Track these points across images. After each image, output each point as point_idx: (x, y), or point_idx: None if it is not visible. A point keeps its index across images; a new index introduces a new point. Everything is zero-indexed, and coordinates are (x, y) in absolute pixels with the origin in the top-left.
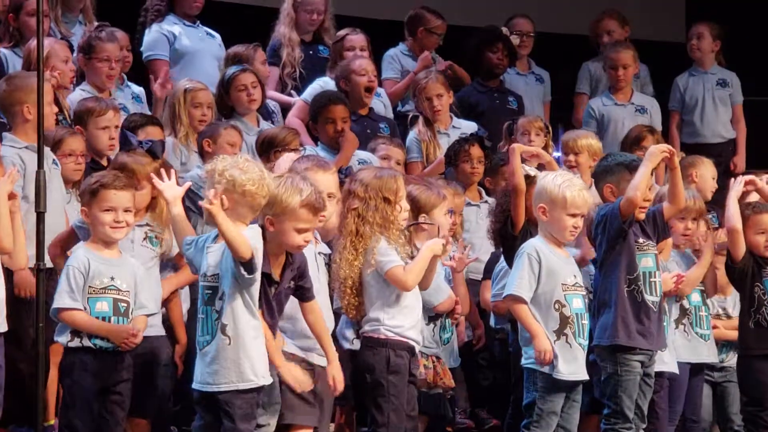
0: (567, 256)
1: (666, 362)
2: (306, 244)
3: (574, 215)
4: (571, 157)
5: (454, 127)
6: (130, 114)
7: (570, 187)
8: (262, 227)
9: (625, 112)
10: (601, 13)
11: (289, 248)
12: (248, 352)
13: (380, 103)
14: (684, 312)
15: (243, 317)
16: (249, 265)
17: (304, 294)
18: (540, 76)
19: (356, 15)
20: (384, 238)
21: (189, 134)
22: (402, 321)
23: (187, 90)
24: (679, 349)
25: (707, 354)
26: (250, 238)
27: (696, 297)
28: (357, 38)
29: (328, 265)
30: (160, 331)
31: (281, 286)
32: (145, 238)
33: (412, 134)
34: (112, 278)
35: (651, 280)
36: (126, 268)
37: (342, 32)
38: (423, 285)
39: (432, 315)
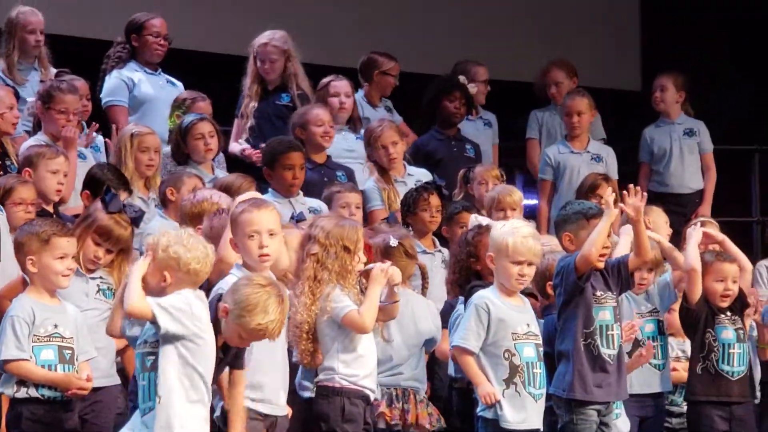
0: (521, 304)
1: (618, 427)
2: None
3: (518, 263)
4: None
5: (408, 174)
6: (99, 164)
7: (513, 234)
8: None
9: (581, 160)
10: (550, 63)
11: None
12: (177, 410)
13: (361, 143)
14: (637, 344)
15: (172, 374)
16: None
17: (235, 362)
18: (488, 121)
19: (307, 62)
20: (339, 286)
21: (134, 179)
22: (357, 370)
23: (134, 134)
24: (632, 380)
25: (660, 384)
26: (192, 302)
27: (650, 327)
28: (341, 84)
29: None
30: (116, 380)
31: (225, 360)
32: (98, 291)
33: (370, 182)
34: (56, 326)
35: (608, 333)
36: (67, 314)
37: (326, 79)
38: (390, 315)
39: None
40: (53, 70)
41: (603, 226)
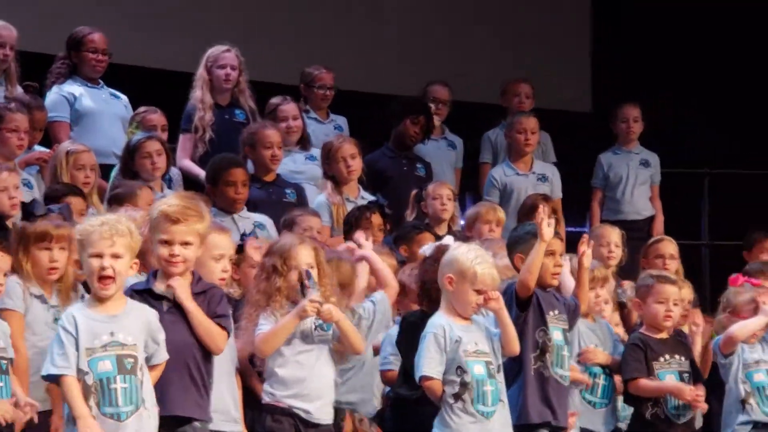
0: (470, 324)
1: None
2: None
3: (479, 292)
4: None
5: (362, 197)
6: (52, 184)
7: (481, 264)
8: None
9: (527, 182)
10: (518, 79)
11: None
12: None
13: (310, 163)
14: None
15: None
16: None
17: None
18: (452, 142)
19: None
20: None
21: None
22: (277, 390)
23: (69, 152)
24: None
25: (602, 423)
26: None
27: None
28: (289, 107)
29: None
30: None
31: None
32: (54, 320)
33: (321, 197)
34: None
35: (562, 353)
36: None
37: (274, 101)
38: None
39: None
40: (18, 88)
41: (537, 249)
